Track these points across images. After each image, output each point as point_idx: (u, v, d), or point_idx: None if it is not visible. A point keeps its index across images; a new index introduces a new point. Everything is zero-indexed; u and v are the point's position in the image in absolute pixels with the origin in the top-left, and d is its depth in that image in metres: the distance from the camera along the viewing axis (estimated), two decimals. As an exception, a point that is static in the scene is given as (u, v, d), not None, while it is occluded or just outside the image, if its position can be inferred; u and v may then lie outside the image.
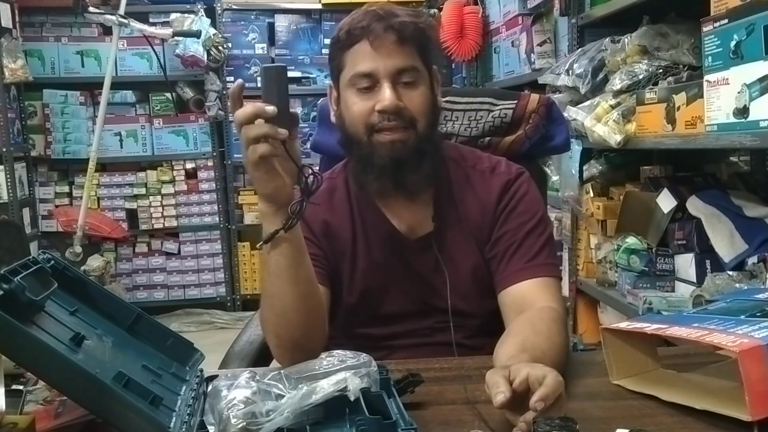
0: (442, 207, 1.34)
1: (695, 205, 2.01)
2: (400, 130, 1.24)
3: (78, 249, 3.85)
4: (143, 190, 4.45)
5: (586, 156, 2.55)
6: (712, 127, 1.61)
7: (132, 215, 4.46)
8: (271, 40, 4.54)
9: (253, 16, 4.52)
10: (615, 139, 2.08)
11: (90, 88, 4.33)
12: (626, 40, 2.17)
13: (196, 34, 4.08)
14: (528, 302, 1.24)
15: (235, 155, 4.50)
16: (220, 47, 4.29)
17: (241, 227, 4.57)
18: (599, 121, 2.15)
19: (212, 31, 4.25)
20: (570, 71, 2.39)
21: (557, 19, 2.85)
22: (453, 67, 4.29)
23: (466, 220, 1.34)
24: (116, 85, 4.19)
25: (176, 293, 4.54)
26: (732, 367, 0.92)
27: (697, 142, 1.72)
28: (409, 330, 1.34)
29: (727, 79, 1.53)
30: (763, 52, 1.43)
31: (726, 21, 1.53)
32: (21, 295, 0.88)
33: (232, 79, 4.44)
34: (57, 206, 4.38)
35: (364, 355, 0.99)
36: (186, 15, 4.19)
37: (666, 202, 2.11)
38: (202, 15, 4.22)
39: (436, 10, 4.02)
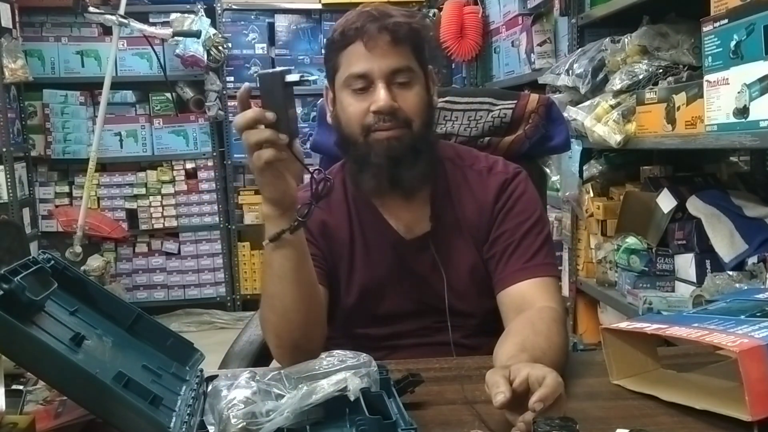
0: (439, 207, 1.34)
1: (695, 205, 2.01)
2: (396, 129, 1.24)
3: (78, 249, 3.85)
4: (143, 190, 4.46)
5: (586, 156, 2.55)
6: (712, 127, 1.61)
7: (132, 215, 4.46)
8: (271, 40, 4.54)
9: (253, 16, 4.52)
10: (615, 139, 2.08)
11: (90, 88, 4.33)
12: (626, 40, 2.17)
13: (196, 34, 4.08)
14: (527, 302, 1.24)
15: (235, 155, 4.50)
16: (220, 47, 4.29)
17: (241, 227, 4.57)
18: (599, 121, 2.15)
19: (212, 31, 4.25)
20: (570, 71, 2.39)
21: (557, 19, 2.85)
22: (453, 67, 4.29)
23: (463, 220, 1.34)
24: (116, 85, 4.19)
25: (176, 293, 4.54)
26: (732, 367, 0.92)
27: (697, 142, 1.72)
28: (407, 330, 1.34)
29: (727, 79, 1.53)
30: (763, 52, 1.43)
31: (726, 21, 1.53)
32: (21, 295, 0.88)
33: (232, 79, 4.45)
34: (57, 206, 4.38)
35: (364, 355, 0.99)
36: (186, 15, 4.19)
37: (666, 202, 2.11)
38: (202, 15, 4.22)
39: (436, 10, 4.02)
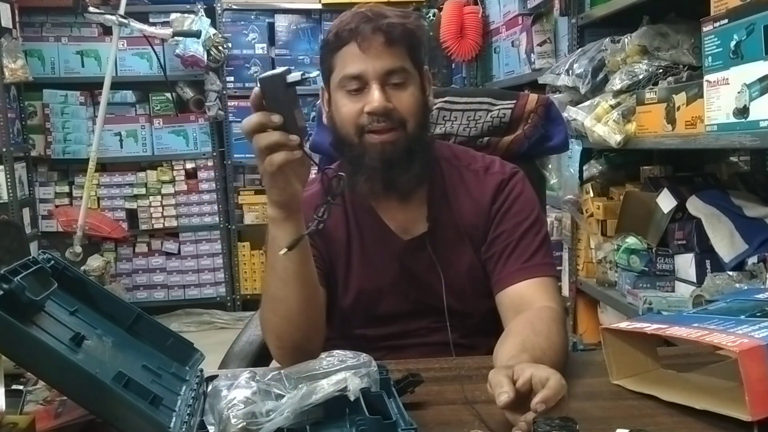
0: (436, 207, 1.34)
1: (695, 205, 2.01)
2: (390, 131, 1.24)
3: (78, 249, 3.85)
4: (143, 190, 4.46)
5: (586, 156, 2.55)
6: (712, 127, 1.61)
7: (132, 215, 4.46)
8: (271, 40, 4.54)
9: (253, 16, 4.52)
10: (615, 139, 2.08)
11: (90, 88, 4.34)
12: (626, 40, 2.17)
13: (196, 34, 4.08)
14: (526, 303, 1.24)
15: (235, 155, 4.51)
16: (220, 47, 4.29)
17: (241, 227, 4.57)
18: (599, 121, 2.15)
19: (212, 31, 4.26)
20: (570, 71, 2.39)
21: (557, 19, 2.85)
22: (453, 67, 4.29)
23: (460, 220, 1.34)
24: (116, 85, 4.19)
25: (176, 293, 4.54)
26: (732, 367, 0.92)
27: (697, 142, 1.72)
28: (405, 330, 1.35)
29: (727, 79, 1.53)
30: (763, 52, 1.43)
31: (726, 21, 1.53)
32: (21, 295, 0.88)
33: (232, 79, 4.45)
34: (57, 206, 4.38)
35: (364, 355, 0.99)
36: (186, 15, 4.19)
37: (666, 202, 2.11)
38: (202, 15, 4.22)
39: (436, 10, 4.02)
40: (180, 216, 4.50)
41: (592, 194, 2.52)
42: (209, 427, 0.88)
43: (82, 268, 3.76)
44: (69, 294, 1.04)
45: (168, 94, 4.39)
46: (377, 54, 1.23)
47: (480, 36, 3.71)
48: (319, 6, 4.47)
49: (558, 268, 2.64)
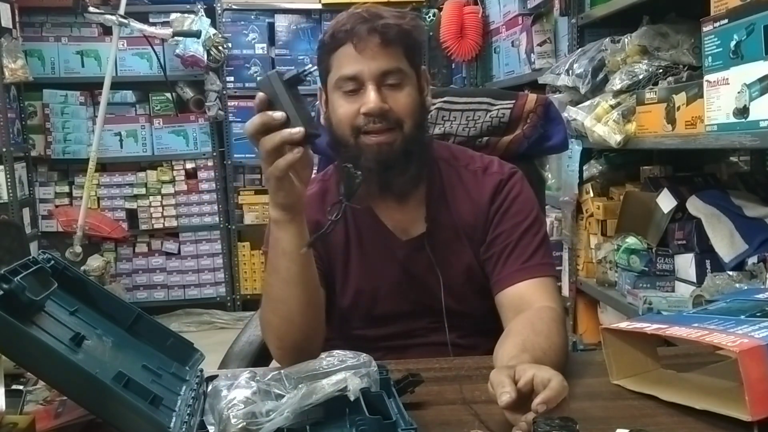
0: (434, 208, 1.34)
1: (695, 205, 2.01)
2: (386, 132, 1.24)
3: (78, 249, 3.85)
4: (143, 190, 4.46)
5: (586, 156, 2.55)
6: (712, 127, 1.61)
7: (132, 215, 4.46)
8: (271, 40, 4.53)
9: (253, 16, 4.52)
10: (615, 139, 2.08)
11: (90, 88, 4.34)
12: (626, 40, 2.17)
13: (196, 34, 4.08)
14: (526, 303, 1.24)
15: (235, 155, 4.51)
16: (220, 47, 4.29)
17: (241, 227, 4.57)
18: (599, 121, 2.15)
19: (212, 31, 4.25)
20: (570, 71, 2.39)
21: (557, 19, 2.85)
22: (453, 67, 4.29)
23: (459, 221, 1.34)
24: (116, 85, 4.19)
25: (176, 293, 4.54)
26: (732, 367, 0.92)
27: (697, 142, 1.72)
28: (403, 331, 1.34)
29: (727, 79, 1.53)
30: (763, 52, 1.43)
31: (726, 21, 1.53)
32: (21, 295, 0.88)
33: (232, 79, 4.45)
34: (57, 206, 4.38)
35: (364, 355, 0.99)
36: (186, 15, 4.19)
37: (666, 202, 2.11)
38: (202, 15, 4.22)
39: (436, 10, 4.02)
40: (180, 216, 4.50)
41: (592, 194, 2.52)
42: (209, 427, 0.88)
43: (82, 268, 3.76)
44: (69, 294, 1.04)
45: (168, 94, 4.39)
46: (373, 55, 1.23)
47: (480, 36, 3.71)
48: (319, 6, 4.47)
49: (558, 268, 2.64)
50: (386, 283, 1.34)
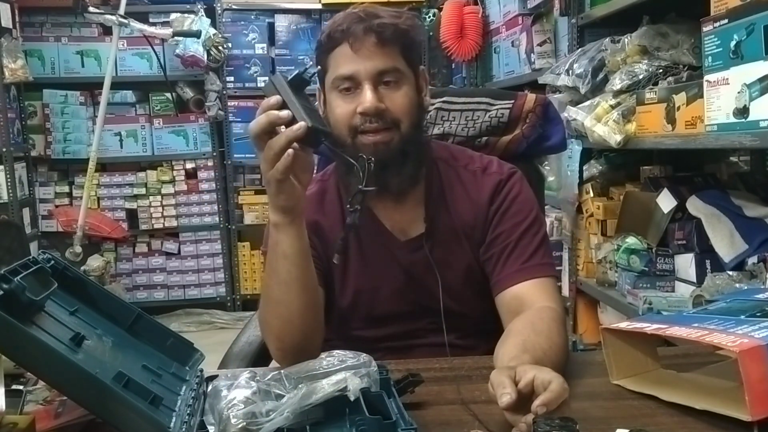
0: (433, 208, 1.34)
1: (695, 205, 2.01)
2: (383, 131, 1.24)
3: (78, 249, 3.85)
4: (143, 190, 4.46)
5: (586, 156, 2.55)
6: (712, 127, 1.61)
7: (132, 215, 4.46)
8: (271, 40, 4.53)
9: (253, 16, 4.52)
10: (615, 139, 2.08)
11: (90, 88, 4.33)
12: (626, 40, 2.17)
13: (196, 34, 4.08)
14: (526, 303, 1.24)
15: (235, 155, 4.50)
16: (220, 47, 4.28)
17: (241, 227, 4.57)
18: (599, 121, 2.15)
19: (212, 31, 4.25)
20: (570, 71, 2.39)
21: (557, 19, 2.85)
22: (453, 67, 4.29)
23: (458, 221, 1.34)
24: (116, 85, 4.19)
25: (176, 293, 4.54)
26: (732, 367, 0.92)
27: (697, 142, 1.72)
28: (402, 331, 1.34)
29: (727, 79, 1.53)
30: (763, 52, 1.43)
31: (726, 21, 1.53)
32: (21, 295, 0.88)
33: (232, 79, 4.45)
34: (57, 206, 4.38)
35: (364, 355, 0.99)
36: (186, 15, 4.19)
37: (666, 202, 2.11)
38: (202, 15, 4.22)
39: (436, 10, 4.02)
40: (180, 216, 4.50)
41: (592, 194, 2.52)
42: (209, 427, 0.88)
43: (82, 268, 3.76)
44: (69, 294, 1.04)
45: (168, 94, 4.39)
46: (369, 54, 1.23)
47: (480, 36, 3.71)
48: (319, 6, 4.47)
49: (558, 268, 2.64)
50: (385, 284, 1.34)
